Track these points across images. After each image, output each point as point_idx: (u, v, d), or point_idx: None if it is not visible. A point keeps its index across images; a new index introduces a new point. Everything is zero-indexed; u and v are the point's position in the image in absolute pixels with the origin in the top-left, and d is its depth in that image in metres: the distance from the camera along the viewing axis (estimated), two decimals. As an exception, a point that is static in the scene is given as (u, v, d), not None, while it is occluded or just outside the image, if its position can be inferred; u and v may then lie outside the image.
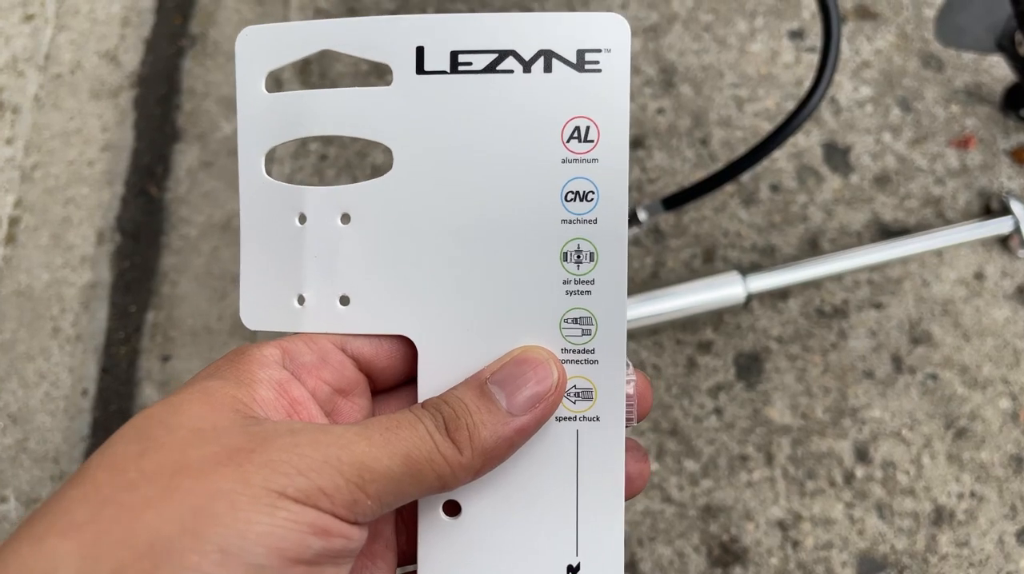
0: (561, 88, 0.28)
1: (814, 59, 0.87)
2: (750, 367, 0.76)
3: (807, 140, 0.84)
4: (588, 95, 0.28)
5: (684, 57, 0.87)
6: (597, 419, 0.29)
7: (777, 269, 0.75)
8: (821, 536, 0.70)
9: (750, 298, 0.74)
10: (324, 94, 0.30)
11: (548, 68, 0.28)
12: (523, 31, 0.28)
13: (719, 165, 0.83)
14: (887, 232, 0.80)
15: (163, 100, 0.85)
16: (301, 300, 0.30)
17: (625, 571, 0.47)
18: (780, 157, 0.83)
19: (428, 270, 0.29)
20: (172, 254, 0.80)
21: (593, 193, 0.28)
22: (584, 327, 0.28)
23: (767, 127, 0.84)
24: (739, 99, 0.86)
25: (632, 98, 0.85)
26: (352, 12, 0.89)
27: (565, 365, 0.29)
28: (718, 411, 0.74)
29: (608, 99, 0.28)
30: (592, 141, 0.28)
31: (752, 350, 0.76)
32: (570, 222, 0.28)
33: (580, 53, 0.28)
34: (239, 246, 0.31)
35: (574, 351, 0.29)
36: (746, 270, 0.75)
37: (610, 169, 0.28)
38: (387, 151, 0.30)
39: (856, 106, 0.85)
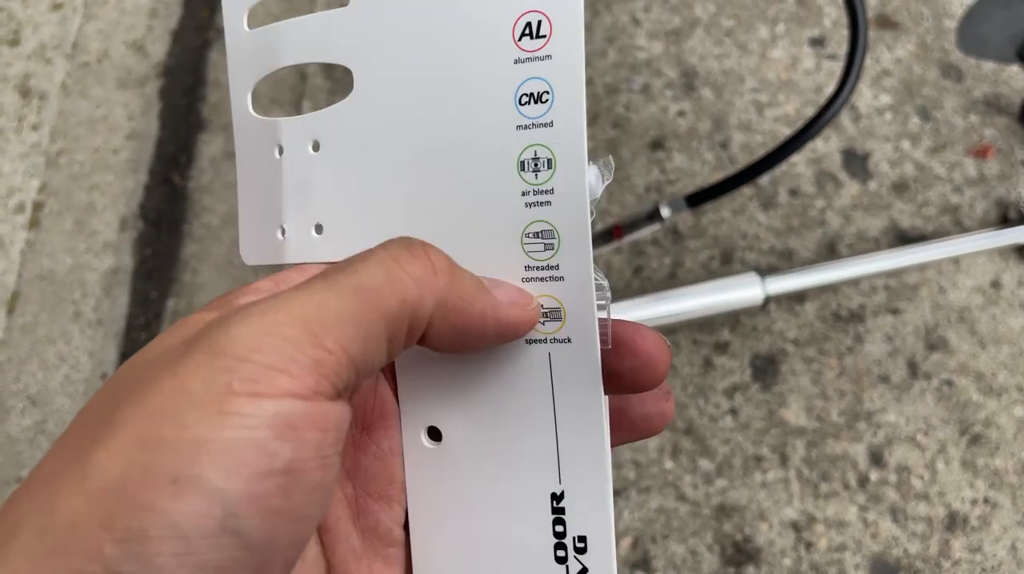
0: None
1: (834, 66, 0.88)
2: (766, 369, 0.76)
3: (826, 146, 0.84)
4: None
5: (705, 61, 0.88)
6: (568, 341, 0.26)
7: (795, 272, 0.76)
8: (835, 538, 0.70)
9: (768, 300, 0.75)
10: (290, 24, 0.29)
11: None
12: None
13: (739, 167, 0.83)
14: (905, 239, 0.81)
15: (188, 91, 0.86)
16: (283, 232, 0.29)
17: (615, 500, 0.46)
18: (799, 162, 0.84)
19: (393, 192, 0.28)
20: (194, 242, 0.80)
21: (547, 93, 0.26)
22: (546, 242, 0.26)
23: (787, 132, 0.85)
24: (759, 104, 0.86)
25: (653, 100, 0.86)
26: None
27: (530, 283, 0.26)
28: (733, 411, 0.74)
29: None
30: (544, 36, 0.26)
31: (768, 352, 0.76)
32: (525, 127, 0.26)
33: None
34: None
35: (538, 268, 0.26)
36: (764, 272, 0.75)
37: (564, 65, 0.25)
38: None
39: (876, 114, 0.85)
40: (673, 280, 0.80)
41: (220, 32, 0.89)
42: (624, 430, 0.29)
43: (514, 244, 0.26)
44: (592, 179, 0.27)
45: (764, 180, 0.82)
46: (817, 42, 0.89)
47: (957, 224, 0.81)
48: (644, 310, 0.74)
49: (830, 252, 0.80)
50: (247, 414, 0.19)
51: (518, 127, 0.26)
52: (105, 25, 0.88)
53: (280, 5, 0.90)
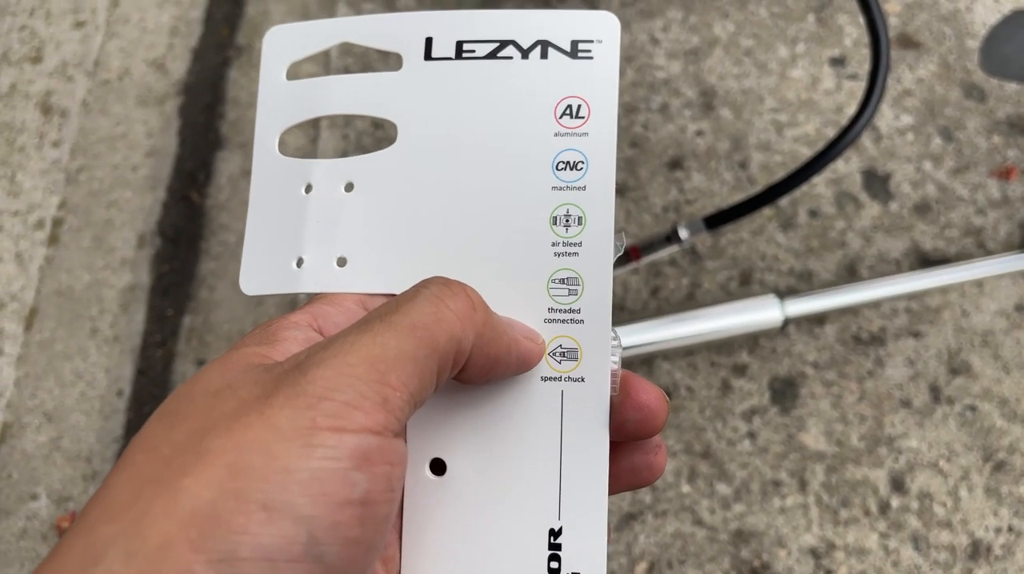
0: (556, 72, 0.31)
1: (855, 86, 0.87)
2: (785, 392, 0.75)
3: (846, 166, 0.83)
4: (580, 78, 0.31)
5: (724, 81, 0.88)
6: (582, 380, 0.29)
7: (815, 294, 0.75)
8: (855, 566, 0.68)
9: (787, 322, 0.74)
10: (338, 79, 0.33)
11: (544, 55, 0.31)
12: (523, 24, 0.32)
13: (758, 188, 0.83)
14: (926, 261, 0.80)
15: (207, 109, 0.87)
16: (300, 262, 0.32)
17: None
18: (819, 183, 0.83)
19: (424, 233, 0.31)
20: (211, 259, 0.80)
21: (583, 163, 0.30)
22: (571, 287, 0.30)
23: (806, 153, 0.84)
24: (779, 124, 0.86)
25: (671, 119, 0.86)
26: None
27: (551, 324, 0.29)
28: (751, 435, 0.73)
29: (599, 81, 0.31)
30: (583, 117, 0.31)
31: (787, 375, 0.75)
32: (560, 189, 0.30)
33: (574, 43, 0.31)
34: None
35: (560, 311, 0.30)
36: (783, 294, 0.74)
37: (599, 142, 0.30)
38: (394, 127, 0.32)
39: (897, 134, 0.84)
40: (691, 301, 0.79)
41: (240, 51, 0.90)
42: (611, 480, 0.29)
43: (540, 288, 0.30)
44: None
45: (784, 201, 0.82)
46: (838, 62, 0.88)
47: (980, 246, 0.80)
48: (662, 331, 0.73)
49: (850, 274, 0.79)
50: (331, 446, 0.21)
51: (554, 188, 0.30)
52: (126, 43, 0.89)
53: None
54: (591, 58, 0.31)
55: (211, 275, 0.80)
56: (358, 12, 0.91)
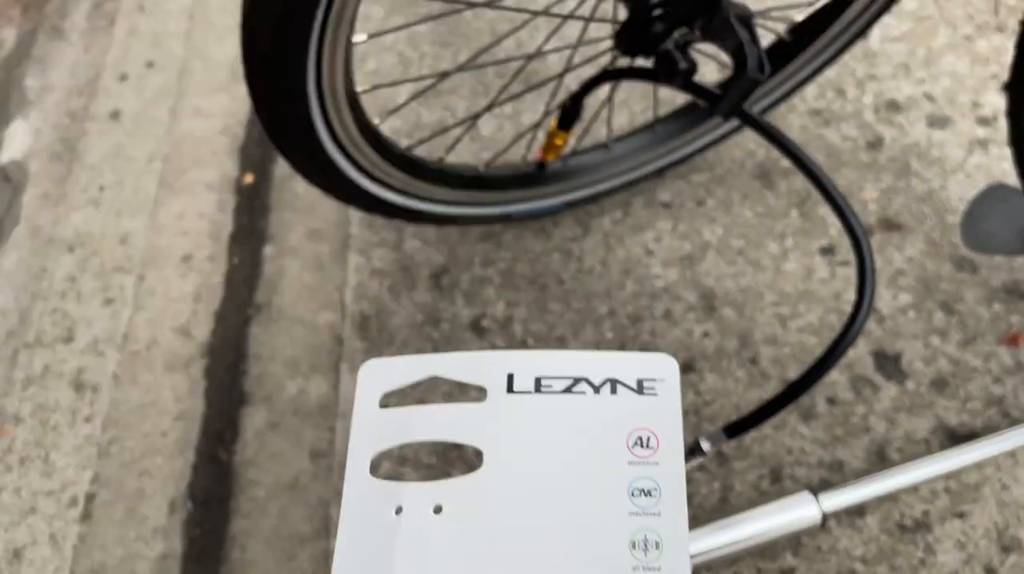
0: (625, 406, 0.35)
1: (849, 272, 0.90)
2: (838, 593, 0.72)
3: (856, 351, 0.85)
4: (647, 412, 0.35)
5: (722, 282, 0.91)
6: None
7: (849, 485, 0.74)
8: None
9: (826, 518, 0.72)
10: (428, 408, 0.36)
11: (614, 391, 0.36)
12: (593, 364, 0.36)
13: (772, 382, 0.84)
14: (955, 437, 0.79)
15: (231, 367, 0.90)
16: None
17: None
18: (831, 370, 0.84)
19: (509, 557, 0.33)
20: (241, 517, 0.81)
21: (656, 490, 0.33)
22: None
23: (814, 342, 0.86)
24: (782, 317, 0.88)
25: (676, 324, 0.88)
26: (405, 270, 0.95)
27: None
28: (812, 645, 0.70)
29: (664, 415, 0.35)
30: (652, 448, 0.34)
31: (837, 574, 0.73)
32: (637, 514, 0.33)
33: (639, 381, 0.36)
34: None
35: None
36: (817, 488, 0.73)
37: (670, 471, 0.33)
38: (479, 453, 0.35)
39: (899, 313, 0.86)
40: (725, 505, 0.78)
41: (259, 308, 0.94)
42: None
43: None
44: None
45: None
46: (827, 250, 0.92)
47: (1005, 416, 0.80)
48: (700, 543, 0.72)
49: (881, 459, 0.79)
50: None
51: (630, 513, 0.33)
52: (153, 314, 0.94)
53: (314, 276, 0.96)
54: (655, 394, 0.35)
55: (242, 534, 0.80)
56: (368, 258, 0.97)
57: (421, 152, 0.82)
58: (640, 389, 0.35)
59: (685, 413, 0.83)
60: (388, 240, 0.98)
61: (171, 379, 0.90)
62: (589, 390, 0.36)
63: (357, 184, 0.74)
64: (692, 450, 0.66)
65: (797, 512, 0.72)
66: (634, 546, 0.32)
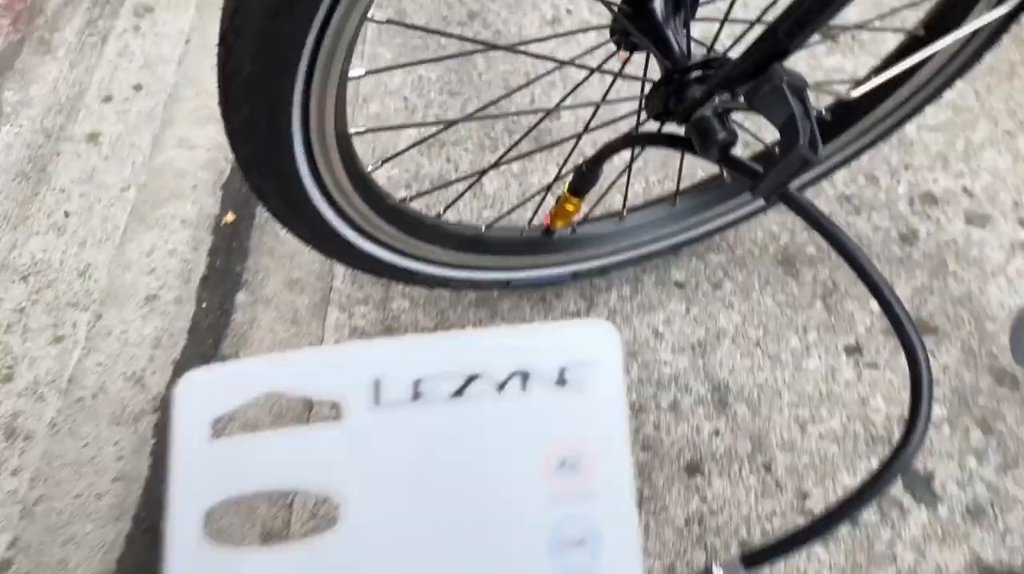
0: (541, 410, 0.24)
1: (876, 375, 0.82)
2: None
3: (882, 465, 0.76)
4: (573, 418, 0.24)
5: (736, 375, 0.82)
6: None
7: (873, 627, 0.64)
8: None
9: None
10: (267, 438, 0.26)
11: (524, 387, 0.24)
12: (494, 351, 0.24)
13: (787, 494, 0.75)
14: (993, 577, 0.70)
15: (185, 425, 0.81)
16: None
17: None
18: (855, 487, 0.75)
19: None
20: (174, 603, 0.70)
21: (591, 537, 0.22)
22: None
23: (834, 451, 0.77)
24: (801, 419, 0.79)
25: (684, 418, 0.79)
26: (389, 331, 0.86)
27: None
28: None
29: (598, 421, 0.23)
30: (583, 471, 0.23)
31: None
32: None
33: (561, 370, 0.24)
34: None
35: None
36: (837, 628, 0.64)
37: (610, 508, 0.22)
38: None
39: (932, 428, 0.78)
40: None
41: (224, 360, 0.85)
42: None
43: None
44: None
45: (819, 510, 0.73)
46: (854, 350, 0.84)
47: (1050, 557, 0.70)
48: None
49: (908, 595, 0.69)
50: None
51: None
52: (106, 358, 0.85)
53: (288, 330, 0.87)
54: (584, 389, 0.24)
55: (173, 623, 0.69)
56: (349, 315, 0.88)
57: (418, 206, 0.74)
58: (562, 380, 0.24)
59: (687, 522, 0.74)
60: (373, 297, 0.89)
61: (116, 433, 0.80)
62: (489, 390, 0.24)
63: (343, 237, 0.66)
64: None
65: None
66: None
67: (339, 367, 0.26)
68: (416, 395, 0.25)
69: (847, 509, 0.53)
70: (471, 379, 0.25)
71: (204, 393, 0.27)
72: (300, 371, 0.26)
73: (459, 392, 0.25)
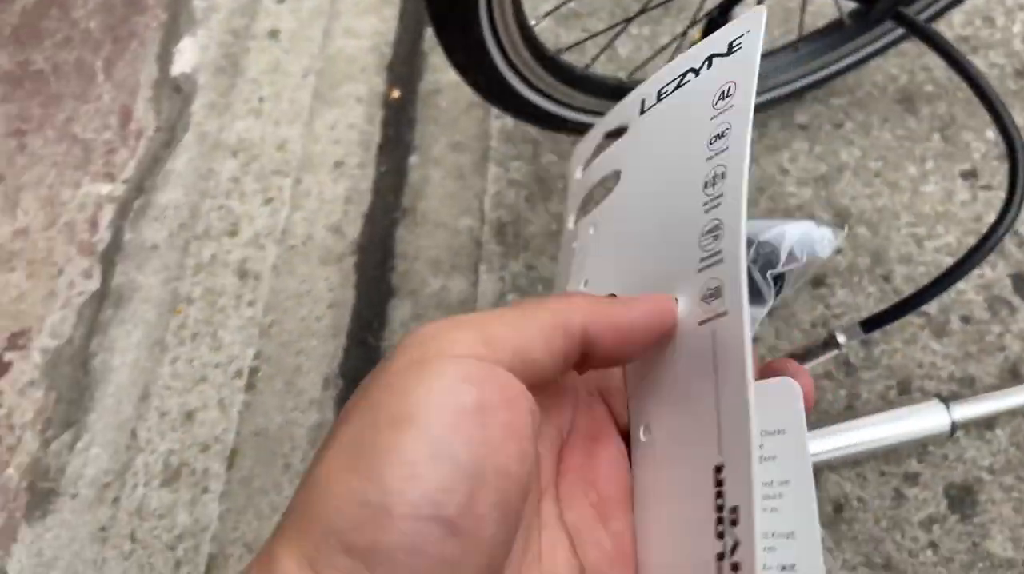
0: (716, 70, 0.36)
1: (991, 196, 0.89)
2: (963, 499, 0.73)
3: (994, 273, 0.84)
4: (731, 67, 0.35)
5: (857, 202, 0.91)
6: (726, 313, 0.30)
7: (982, 398, 0.74)
8: None
9: (955, 427, 0.73)
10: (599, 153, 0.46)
11: (710, 65, 0.37)
12: (696, 57, 0.38)
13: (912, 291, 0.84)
14: (1096, 358, 0.78)
15: (379, 264, 0.97)
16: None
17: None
18: (967, 290, 0.84)
19: (628, 251, 0.38)
20: (387, 397, 0.87)
21: (728, 130, 0.33)
22: (715, 234, 0.32)
23: (950, 262, 0.86)
24: (918, 237, 0.88)
25: (809, 241, 0.89)
26: (541, 181, 0.99)
27: (704, 271, 0.32)
28: (933, 545, 0.72)
29: (743, 63, 0.35)
30: (731, 95, 0.34)
31: (963, 481, 0.74)
32: (710, 158, 0.34)
33: (730, 44, 0.36)
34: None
35: (708, 256, 0.32)
36: (948, 399, 0.74)
37: (739, 110, 0.33)
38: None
39: (1042, 237, 0.85)
40: (850, 412, 0.80)
41: (405, 211, 1.01)
42: None
43: (694, 241, 0.33)
44: (819, 240, 0.54)
45: (934, 308, 0.83)
46: (970, 174, 0.91)
47: None
48: (825, 441, 0.74)
49: (1014, 377, 0.79)
50: (438, 369, 0.26)
51: (707, 159, 0.34)
52: (309, 214, 1.02)
53: (456, 183, 1.01)
54: (741, 47, 0.35)
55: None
56: (506, 170, 1.01)
57: (568, 59, 0.86)
58: (729, 51, 0.36)
59: (813, 325, 0.85)
60: (525, 154, 1.02)
61: (325, 271, 0.97)
62: (692, 76, 0.38)
63: (511, 87, 0.78)
64: (827, 343, 0.68)
65: (927, 419, 0.74)
66: (706, 185, 0.33)
67: (627, 102, 0.44)
68: (659, 98, 0.40)
69: (954, 273, 0.62)
70: (685, 74, 0.39)
71: (580, 152, 0.51)
72: (612, 117, 0.46)
73: (679, 86, 0.39)
